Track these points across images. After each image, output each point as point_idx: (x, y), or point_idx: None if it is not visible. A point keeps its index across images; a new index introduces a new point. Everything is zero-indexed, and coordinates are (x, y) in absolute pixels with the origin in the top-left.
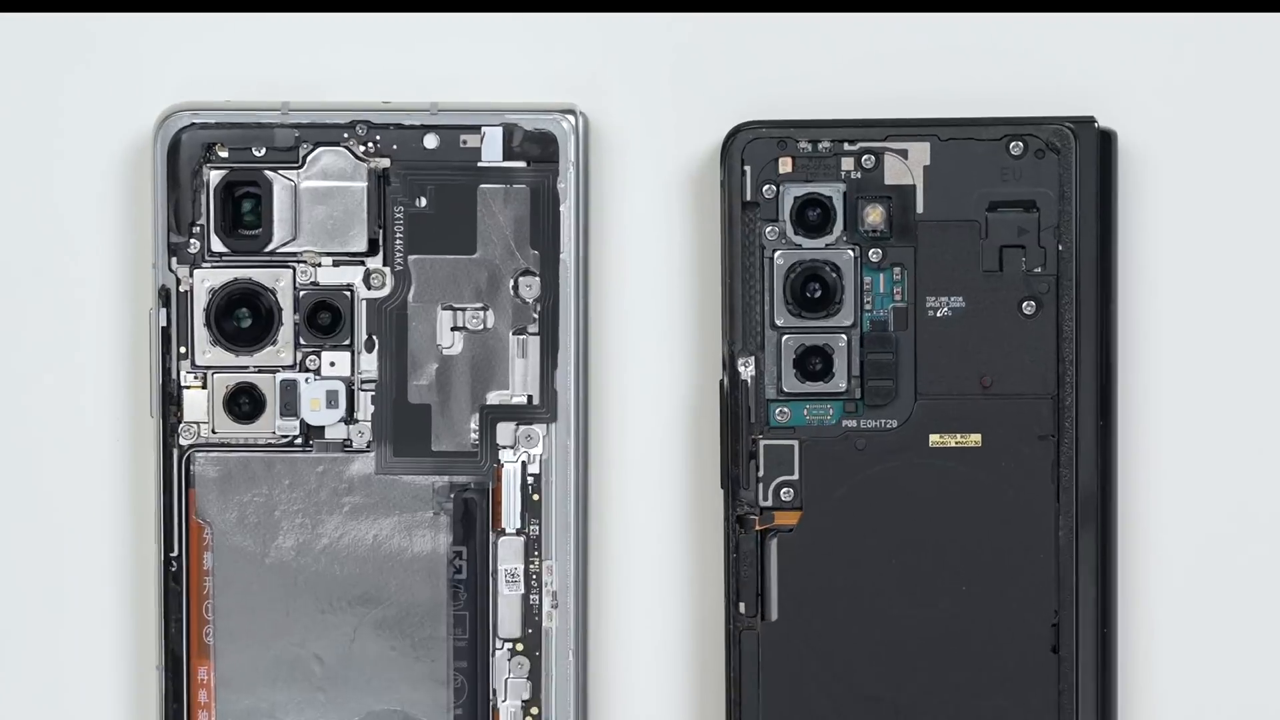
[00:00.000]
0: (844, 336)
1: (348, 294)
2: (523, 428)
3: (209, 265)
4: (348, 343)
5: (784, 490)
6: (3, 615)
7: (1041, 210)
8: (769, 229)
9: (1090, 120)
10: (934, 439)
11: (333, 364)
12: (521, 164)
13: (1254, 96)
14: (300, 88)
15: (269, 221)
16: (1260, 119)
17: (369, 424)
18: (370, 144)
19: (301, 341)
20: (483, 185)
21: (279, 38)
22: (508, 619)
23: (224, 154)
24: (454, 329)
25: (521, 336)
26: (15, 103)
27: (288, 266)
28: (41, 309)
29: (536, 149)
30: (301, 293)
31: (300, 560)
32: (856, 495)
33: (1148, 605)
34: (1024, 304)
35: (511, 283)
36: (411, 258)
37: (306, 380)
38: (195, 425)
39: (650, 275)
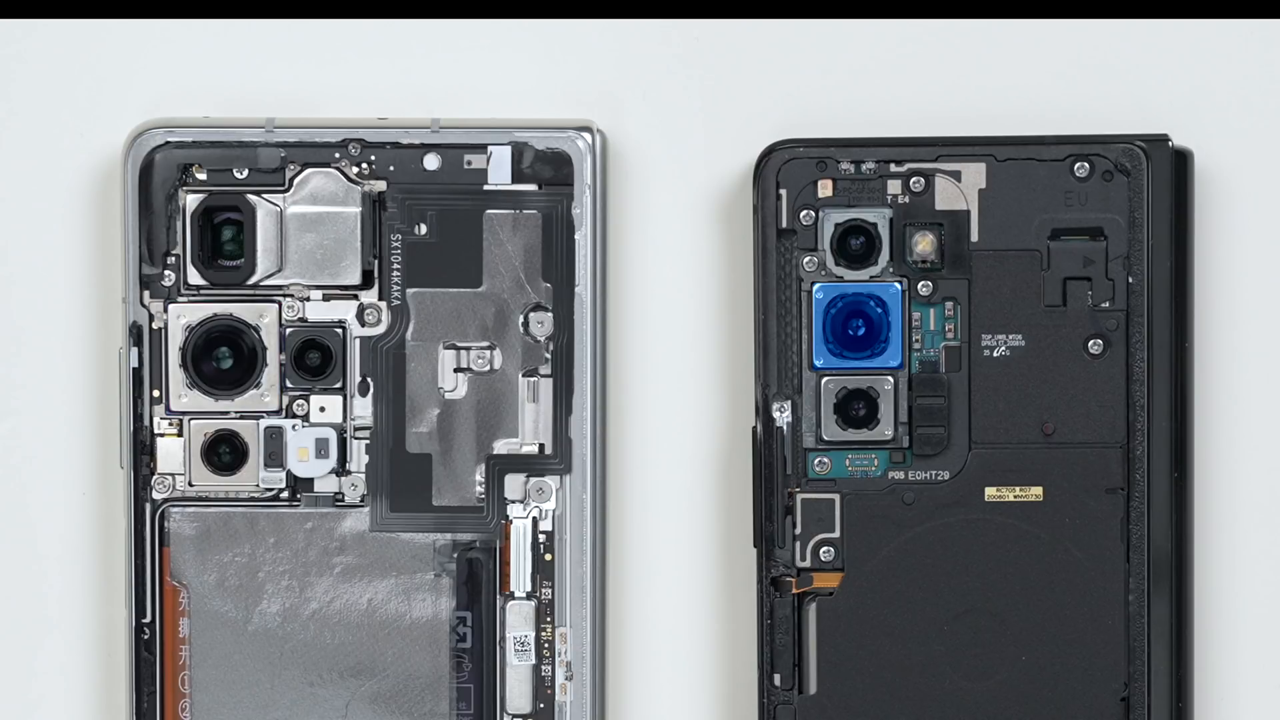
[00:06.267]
0: (890, 379)
1: (339, 332)
2: (534, 480)
3: (185, 300)
4: (339, 386)
5: (824, 549)
6: None
7: (1110, 238)
8: (807, 259)
9: (1164, 138)
10: (990, 492)
11: (323, 409)
12: (532, 187)
13: None
14: (287, 102)
15: (252, 251)
16: None
17: (363, 476)
18: (364, 165)
19: (288, 384)
20: (489, 211)
21: (263, 47)
22: (517, 692)
23: (202, 176)
24: (457, 370)
25: (532, 379)
26: None
27: (273, 301)
28: None
29: (549, 170)
30: (288, 330)
31: (287, 627)
32: (904, 555)
33: (1227, 678)
34: (1090, 343)
35: (521, 319)
36: (410, 291)
37: (294, 427)
38: (170, 477)
39: (675, 310)
